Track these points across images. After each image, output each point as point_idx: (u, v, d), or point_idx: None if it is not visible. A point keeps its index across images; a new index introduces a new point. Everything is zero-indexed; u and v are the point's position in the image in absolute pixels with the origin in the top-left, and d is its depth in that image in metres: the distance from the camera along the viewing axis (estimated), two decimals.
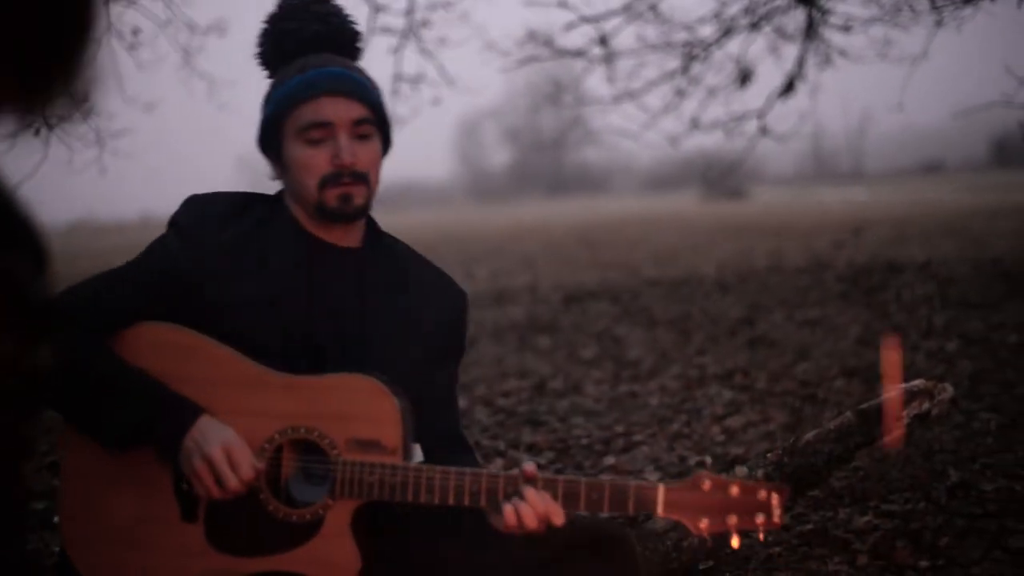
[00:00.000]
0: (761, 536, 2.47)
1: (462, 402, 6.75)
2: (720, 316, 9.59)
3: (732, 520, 2.43)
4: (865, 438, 3.85)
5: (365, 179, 2.66)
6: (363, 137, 2.66)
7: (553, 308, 11.01)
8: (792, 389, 6.50)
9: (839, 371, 6.81)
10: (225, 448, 2.46)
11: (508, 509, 2.46)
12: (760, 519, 2.43)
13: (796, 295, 10.32)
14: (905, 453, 4.72)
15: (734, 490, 2.44)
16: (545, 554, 2.56)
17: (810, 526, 4.04)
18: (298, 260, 2.68)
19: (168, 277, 2.64)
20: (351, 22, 2.81)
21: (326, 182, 2.63)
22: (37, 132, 6.14)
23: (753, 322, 9.11)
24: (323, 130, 2.63)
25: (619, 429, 5.93)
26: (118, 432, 2.52)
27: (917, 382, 3.95)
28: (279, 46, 2.75)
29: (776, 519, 2.43)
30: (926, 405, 3.88)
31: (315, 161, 2.63)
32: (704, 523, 2.44)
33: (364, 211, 2.70)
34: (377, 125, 2.70)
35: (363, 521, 2.55)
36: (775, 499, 2.43)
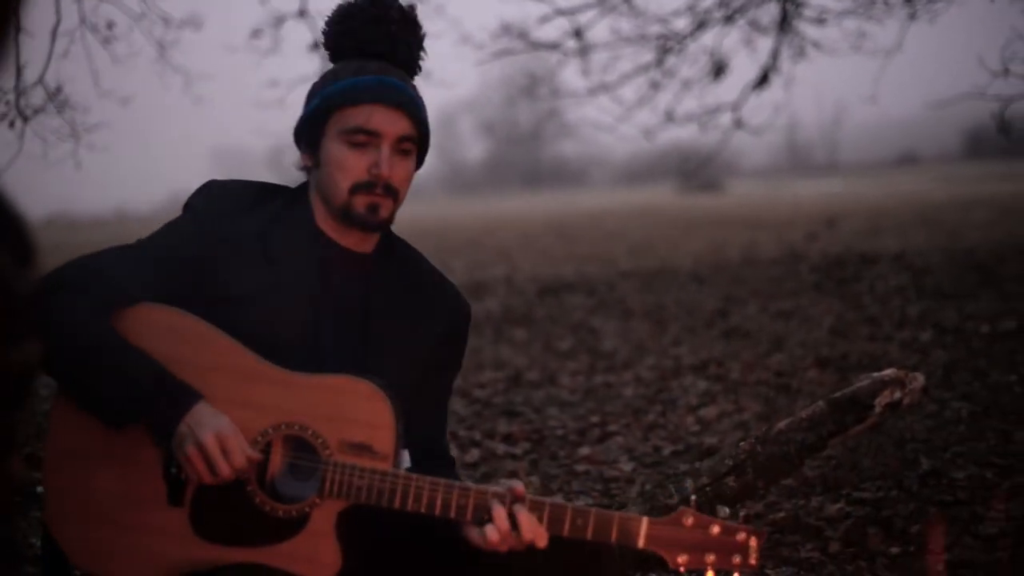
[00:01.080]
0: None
1: None
2: (695, 307, 9.63)
3: (710, 558, 2.49)
4: (837, 427, 3.88)
5: (395, 195, 2.67)
6: (403, 152, 2.67)
7: (529, 300, 11.04)
8: (766, 379, 6.54)
9: (812, 361, 6.85)
10: (218, 435, 2.48)
11: (492, 528, 2.48)
12: (737, 560, 2.49)
13: (770, 286, 10.37)
14: (878, 442, 4.77)
15: (715, 529, 2.49)
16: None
17: (783, 514, 4.08)
18: (309, 259, 2.69)
19: (178, 260, 2.64)
20: (420, 53, 2.79)
21: (358, 188, 2.63)
22: (12, 125, 6.12)
23: (728, 313, 9.15)
24: (369, 137, 2.63)
25: (594, 419, 5.97)
26: (116, 408, 2.52)
27: (889, 371, 3.98)
28: (343, 44, 2.75)
29: (752, 561, 2.49)
30: (897, 394, 3.92)
31: (354, 164, 2.63)
32: (683, 559, 2.49)
33: (387, 224, 2.71)
34: (418, 144, 2.71)
35: (347, 522, 2.57)
36: (753, 542, 2.49)
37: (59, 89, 6.25)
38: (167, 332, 2.60)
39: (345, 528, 2.56)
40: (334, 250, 2.72)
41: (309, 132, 2.71)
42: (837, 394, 3.95)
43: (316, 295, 2.68)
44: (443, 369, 2.84)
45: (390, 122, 2.64)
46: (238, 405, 2.56)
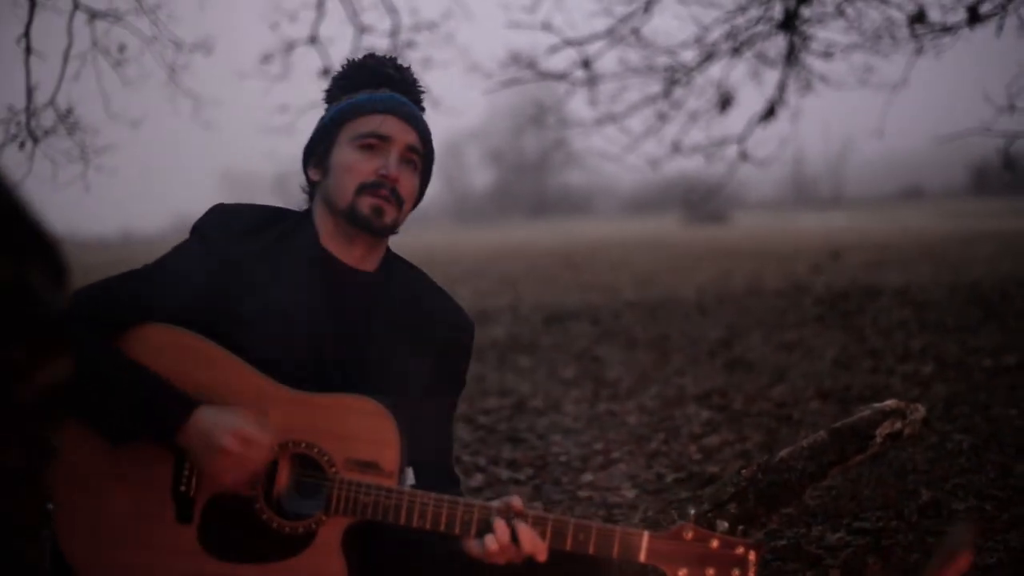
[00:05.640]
0: None
1: None
2: (699, 338, 9.65)
3: (710, 572, 2.54)
4: (838, 457, 3.91)
5: (401, 203, 2.76)
6: (409, 163, 2.77)
7: (534, 328, 11.06)
8: (768, 410, 6.56)
9: (814, 393, 6.88)
10: (235, 433, 2.53)
11: (491, 538, 2.53)
12: (736, 572, 2.54)
13: (774, 318, 10.39)
14: (878, 472, 4.80)
15: (714, 543, 2.55)
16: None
17: (783, 542, 4.11)
18: (313, 280, 2.74)
19: (185, 282, 2.69)
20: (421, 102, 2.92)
21: (364, 188, 2.72)
22: (22, 146, 6.18)
23: (731, 344, 9.17)
24: (379, 141, 2.74)
25: (597, 447, 5.99)
26: (116, 422, 2.57)
27: (890, 402, 4.02)
28: (354, 81, 2.87)
29: (751, 574, 2.54)
30: (898, 425, 3.95)
31: (361, 167, 2.73)
32: (683, 572, 2.54)
33: (391, 230, 2.78)
34: (422, 159, 2.81)
35: (353, 538, 2.61)
36: (752, 555, 2.55)
37: (69, 111, 6.30)
38: (173, 351, 2.65)
39: (351, 544, 2.60)
40: (338, 269, 2.77)
41: (321, 145, 2.80)
42: (838, 424, 3.99)
43: (320, 315, 2.73)
44: (446, 385, 2.89)
45: (401, 130, 2.76)
46: None
